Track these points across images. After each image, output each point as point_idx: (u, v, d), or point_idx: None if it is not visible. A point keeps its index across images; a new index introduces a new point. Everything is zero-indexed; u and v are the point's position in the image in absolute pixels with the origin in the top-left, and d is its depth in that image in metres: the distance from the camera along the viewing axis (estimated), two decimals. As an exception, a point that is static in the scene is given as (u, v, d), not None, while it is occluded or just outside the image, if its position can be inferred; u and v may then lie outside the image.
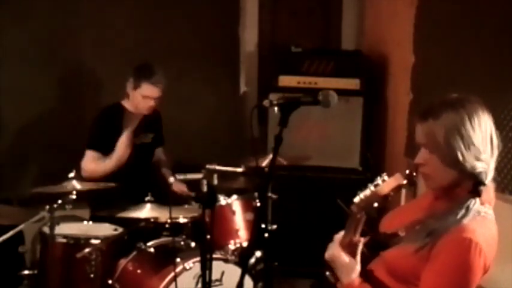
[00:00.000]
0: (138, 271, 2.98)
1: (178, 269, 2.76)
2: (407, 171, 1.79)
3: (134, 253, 3.01)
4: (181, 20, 4.40)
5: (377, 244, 1.84)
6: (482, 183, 1.71)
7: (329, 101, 1.94)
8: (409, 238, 1.76)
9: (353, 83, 4.13)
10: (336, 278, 1.82)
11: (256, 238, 2.97)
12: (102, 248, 2.89)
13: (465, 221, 1.68)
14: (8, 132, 4.12)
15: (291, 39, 4.54)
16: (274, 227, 3.26)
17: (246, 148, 3.99)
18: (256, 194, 3.22)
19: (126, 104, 3.55)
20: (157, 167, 3.75)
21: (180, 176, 2.71)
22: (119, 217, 3.06)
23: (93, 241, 2.89)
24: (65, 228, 3.03)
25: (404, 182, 1.76)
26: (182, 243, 3.09)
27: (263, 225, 3.13)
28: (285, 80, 4.19)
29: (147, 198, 3.10)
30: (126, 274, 2.96)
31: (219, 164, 2.55)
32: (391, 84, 4.28)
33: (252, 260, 3.14)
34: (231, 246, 3.21)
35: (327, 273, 1.85)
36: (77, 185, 2.95)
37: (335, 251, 1.80)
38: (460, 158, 1.69)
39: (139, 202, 3.11)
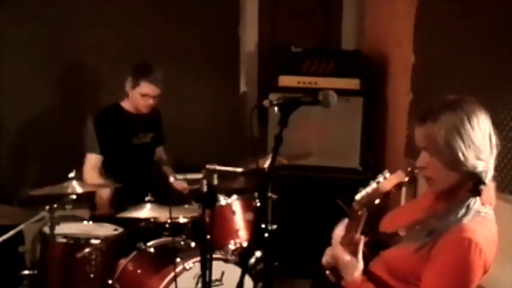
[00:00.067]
0: (138, 271, 2.98)
1: (178, 269, 2.77)
2: (408, 169, 1.79)
3: (134, 253, 3.01)
4: (181, 20, 4.40)
5: (377, 244, 1.84)
6: (483, 182, 1.71)
7: (329, 101, 1.93)
8: (409, 238, 1.76)
9: (353, 83, 4.13)
10: (335, 277, 1.82)
11: (256, 238, 2.97)
12: (102, 248, 2.89)
13: (465, 220, 1.68)
14: (8, 132, 4.12)
15: (291, 39, 4.53)
16: (274, 227, 3.25)
17: (246, 148, 3.99)
18: (256, 194, 3.21)
19: (125, 104, 3.55)
20: (158, 166, 3.75)
21: (180, 176, 2.71)
22: (119, 217, 3.06)
23: (93, 241, 2.89)
24: (65, 228, 3.03)
25: (406, 179, 1.76)
26: (182, 243, 3.09)
27: (263, 225, 3.13)
28: (285, 80, 4.18)
29: (147, 198, 3.09)
30: (126, 274, 2.96)
31: (219, 164, 2.54)
32: (391, 84, 4.28)
33: (252, 260, 3.14)
34: (231, 246, 3.21)
35: (327, 272, 1.86)
36: (76, 185, 2.93)
37: (337, 250, 1.80)
38: (462, 158, 1.69)
39: (139, 202, 3.11)
